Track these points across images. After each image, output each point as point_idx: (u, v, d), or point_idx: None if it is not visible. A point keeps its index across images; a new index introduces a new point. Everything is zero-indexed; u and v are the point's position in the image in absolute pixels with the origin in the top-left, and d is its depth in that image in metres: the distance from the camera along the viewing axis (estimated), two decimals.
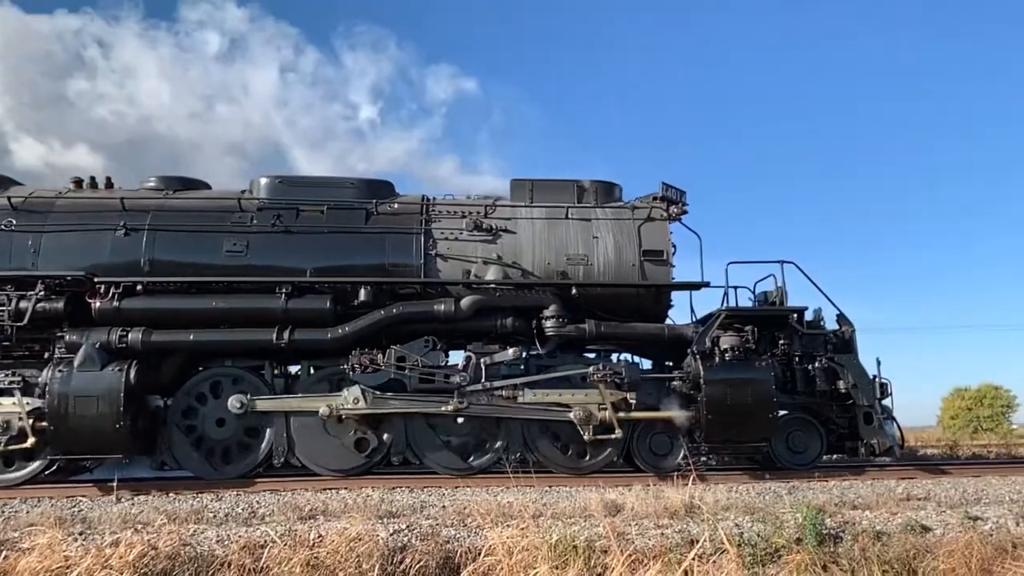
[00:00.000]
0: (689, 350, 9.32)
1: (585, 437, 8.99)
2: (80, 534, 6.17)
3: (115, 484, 7.88)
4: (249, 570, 5.68)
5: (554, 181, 10.33)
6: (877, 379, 9.66)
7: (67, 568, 5.50)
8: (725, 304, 9.78)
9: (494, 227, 9.74)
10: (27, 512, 7.11)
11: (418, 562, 5.77)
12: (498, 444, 9.24)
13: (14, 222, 9.16)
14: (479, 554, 5.84)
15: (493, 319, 9.33)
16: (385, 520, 6.56)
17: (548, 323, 9.30)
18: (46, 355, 8.83)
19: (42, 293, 8.67)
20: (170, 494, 8.01)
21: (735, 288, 10.00)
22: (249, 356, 9.22)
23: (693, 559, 5.63)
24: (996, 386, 34.30)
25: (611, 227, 9.94)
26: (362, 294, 9.07)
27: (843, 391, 9.63)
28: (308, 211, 9.56)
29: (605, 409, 9.02)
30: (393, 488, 8.18)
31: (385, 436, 9.08)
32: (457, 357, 9.44)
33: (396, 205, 9.89)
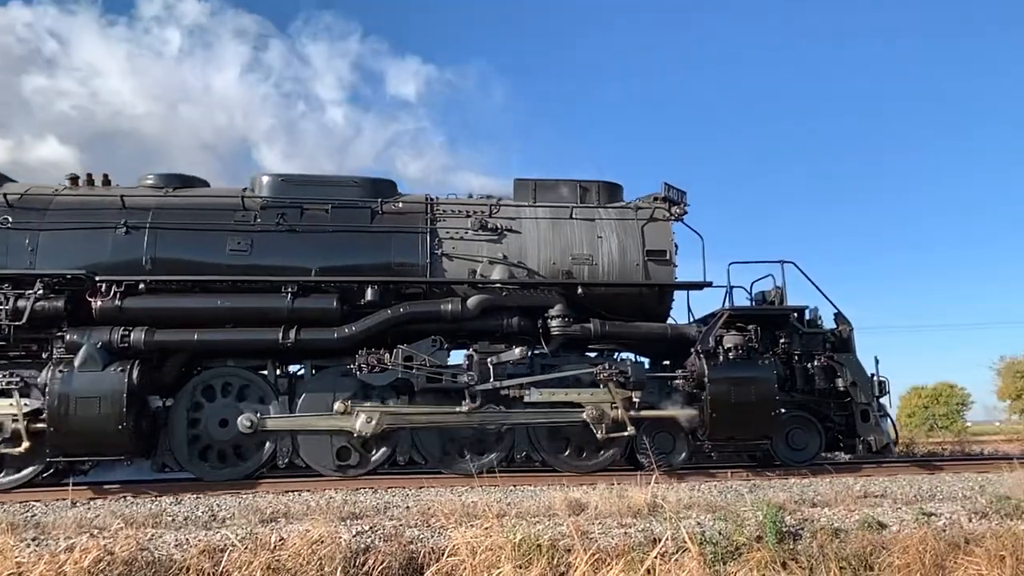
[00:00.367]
0: (693, 349, 9.41)
1: (598, 436, 9.02)
2: (33, 539, 5.96)
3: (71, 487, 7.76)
4: (208, 575, 5.57)
5: (557, 181, 10.39)
6: (875, 377, 9.87)
7: (19, 575, 5.33)
8: (728, 304, 9.91)
9: (499, 227, 9.76)
10: None
11: (381, 563, 5.70)
12: (504, 444, 9.24)
13: (10, 219, 8.97)
14: (443, 554, 5.80)
15: (499, 318, 9.35)
16: (348, 522, 6.48)
17: (554, 322, 9.34)
18: (44, 355, 8.65)
19: (41, 292, 8.49)
20: (128, 497, 7.83)
21: (726, 287, 10.14)
22: (252, 356, 9.12)
23: (656, 558, 5.66)
24: (951, 384, 35.27)
25: (615, 227, 10.01)
26: (369, 293, 9.02)
27: (841, 389, 9.81)
28: (312, 210, 9.49)
29: (616, 408, 9.06)
30: (357, 489, 8.10)
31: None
32: (457, 357, 9.45)
33: (400, 204, 9.85)
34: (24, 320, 8.38)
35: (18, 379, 8.37)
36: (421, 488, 8.25)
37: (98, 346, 8.36)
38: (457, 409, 8.86)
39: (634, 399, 9.21)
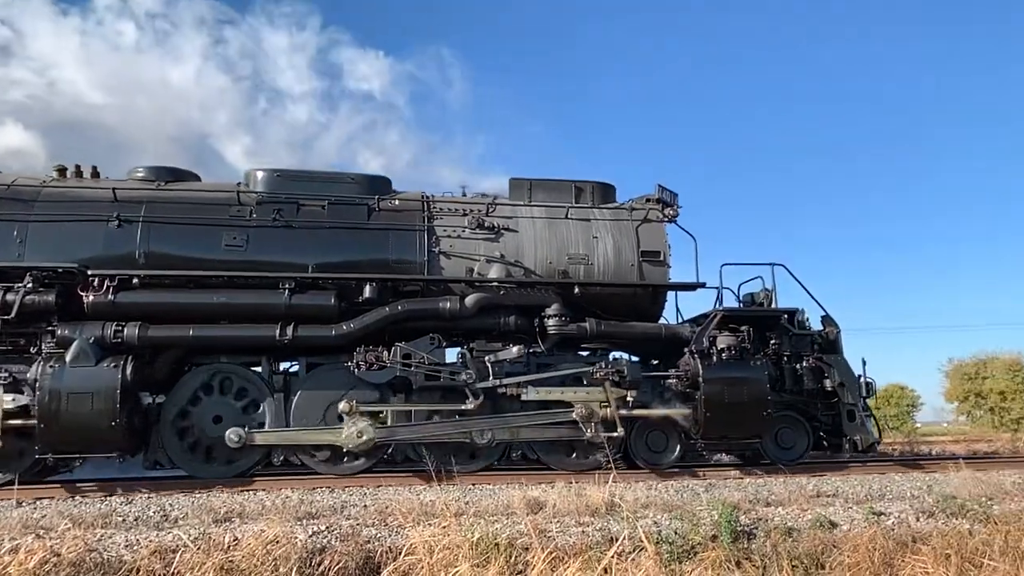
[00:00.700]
0: (687, 349, 9.54)
1: (587, 434, 9.10)
2: None
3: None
4: None
5: (552, 181, 10.46)
6: (862, 378, 10.10)
7: None
8: (720, 305, 10.05)
9: (496, 225, 9.79)
10: None
11: (337, 563, 5.63)
12: (497, 450, 9.26)
13: None
14: (400, 553, 5.76)
15: (496, 317, 9.38)
16: (304, 521, 6.40)
17: (550, 321, 9.39)
18: (32, 350, 8.46)
19: (31, 285, 8.30)
20: (76, 497, 7.66)
21: (718, 288, 10.29)
22: (249, 352, 9.03)
23: (613, 557, 5.68)
24: (902, 386, 36.04)
25: (610, 228, 10.12)
26: (367, 291, 8.98)
27: (828, 389, 10.03)
28: (309, 206, 9.42)
29: (607, 407, 9.15)
30: (313, 489, 8.03)
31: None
32: (449, 355, 9.44)
33: (396, 202, 9.83)
34: (13, 314, 8.18)
35: (7, 374, 8.16)
36: (379, 487, 8.18)
37: (90, 341, 8.19)
38: (462, 406, 8.88)
39: (629, 398, 9.32)
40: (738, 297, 10.76)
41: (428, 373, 8.87)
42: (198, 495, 7.60)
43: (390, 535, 6.11)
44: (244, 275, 8.86)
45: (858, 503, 7.46)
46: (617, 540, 5.95)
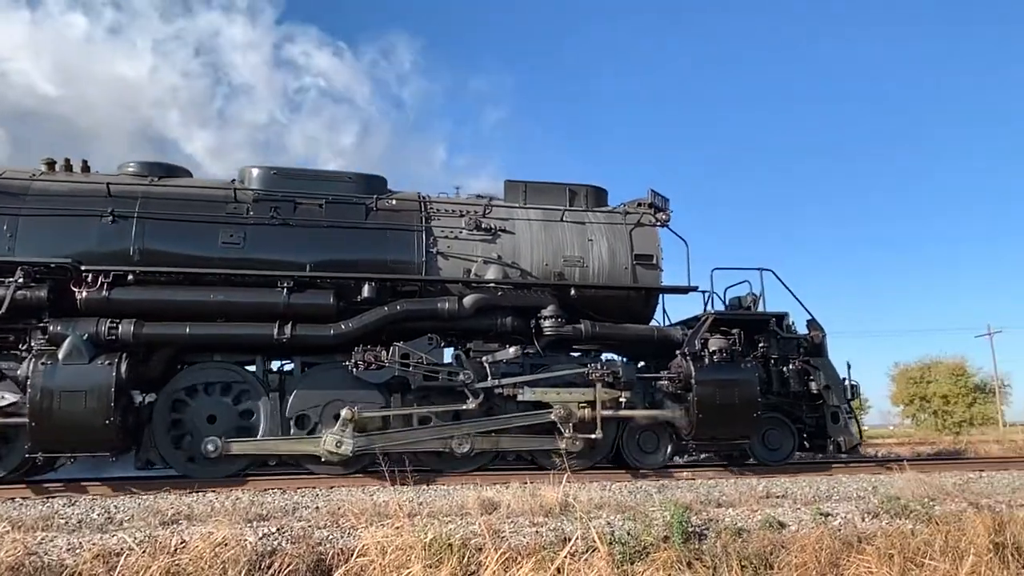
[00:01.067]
0: (679, 351, 9.70)
1: (565, 435, 9.07)
2: None
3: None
4: None
5: (546, 184, 10.56)
6: (847, 381, 10.38)
7: None
8: (711, 308, 10.24)
9: (493, 227, 9.85)
10: None
11: (288, 566, 5.53)
12: (485, 457, 9.25)
13: None
14: (352, 555, 5.70)
15: (493, 318, 9.44)
16: (255, 523, 6.27)
17: (546, 323, 9.48)
18: (21, 347, 8.28)
19: (22, 280, 8.12)
20: (16, 499, 7.47)
21: (703, 292, 10.49)
22: (245, 351, 8.95)
23: (565, 557, 5.68)
24: None
25: (604, 231, 10.25)
26: (365, 290, 8.97)
27: (814, 392, 10.29)
28: (306, 204, 9.37)
29: (584, 408, 9.20)
30: (264, 490, 7.94)
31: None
32: (444, 356, 9.45)
33: (394, 201, 9.83)
34: (3, 309, 8.01)
35: None
36: (332, 488, 8.12)
37: (84, 338, 8.05)
38: (462, 407, 8.91)
39: (621, 399, 9.44)
40: (724, 301, 10.99)
41: (426, 373, 8.89)
42: (144, 496, 7.37)
43: (342, 536, 6.01)
44: (242, 273, 8.78)
45: (806, 504, 7.54)
46: (570, 540, 5.93)
